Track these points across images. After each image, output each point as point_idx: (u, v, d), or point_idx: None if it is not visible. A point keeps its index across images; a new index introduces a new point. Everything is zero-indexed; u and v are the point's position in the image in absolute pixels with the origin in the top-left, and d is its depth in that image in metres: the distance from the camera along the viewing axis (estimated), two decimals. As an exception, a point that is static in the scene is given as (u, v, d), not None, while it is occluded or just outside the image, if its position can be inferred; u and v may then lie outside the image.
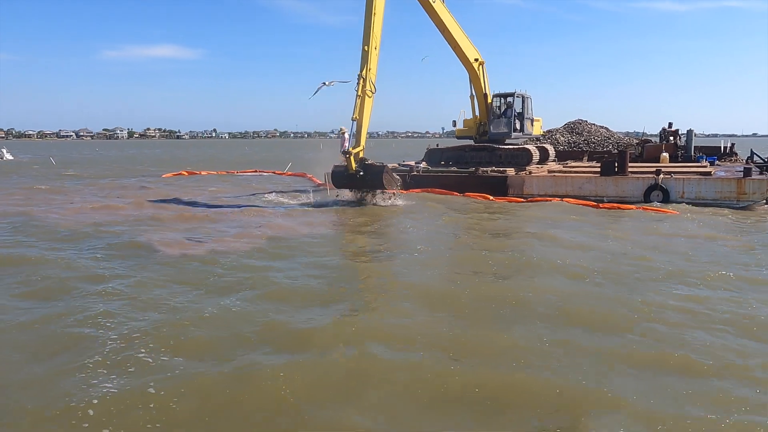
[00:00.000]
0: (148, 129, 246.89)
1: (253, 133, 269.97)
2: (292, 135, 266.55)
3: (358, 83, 17.04)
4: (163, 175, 29.82)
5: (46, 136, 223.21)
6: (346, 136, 24.09)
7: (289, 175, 30.87)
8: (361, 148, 17.26)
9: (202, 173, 31.55)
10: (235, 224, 13.67)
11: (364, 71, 16.99)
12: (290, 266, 9.27)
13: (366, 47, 17.11)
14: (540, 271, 8.90)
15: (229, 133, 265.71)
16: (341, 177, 18.00)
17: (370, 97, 17.22)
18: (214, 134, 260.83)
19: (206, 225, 13.57)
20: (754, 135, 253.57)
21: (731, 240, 11.76)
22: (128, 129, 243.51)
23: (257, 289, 7.86)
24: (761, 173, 18.43)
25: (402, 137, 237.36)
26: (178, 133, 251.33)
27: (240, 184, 25.11)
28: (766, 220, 14.87)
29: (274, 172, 32.42)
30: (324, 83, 20.08)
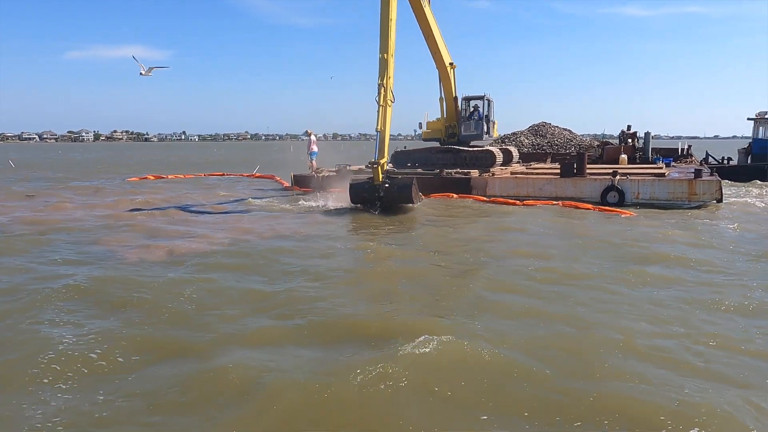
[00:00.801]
0: (115, 131, 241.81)
1: (224, 135, 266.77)
2: (263, 137, 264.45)
3: (378, 93, 16.43)
4: (128, 179, 29.42)
5: (7, 139, 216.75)
6: (313, 138, 24.38)
7: (258, 177, 30.86)
8: (386, 159, 16.70)
9: (169, 177, 31.25)
10: (196, 227, 13.70)
11: (384, 80, 16.46)
12: (244, 269, 9.40)
13: (384, 55, 16.59)
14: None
15: (199, 136, 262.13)
16: (362, 191, 16.88)
17: (390, 106, 16.70)
18: (183, 137, 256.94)
19: (166, 228, 13.54)
20: (716, 137, 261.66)
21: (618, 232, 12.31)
22: (94, 131, 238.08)
23: (206, 293, 7.99)
24: (711, 174, 19.23)
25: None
26: (146, 136, 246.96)
27: (206, 187, 24.98)
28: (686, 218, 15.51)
29: (242, 175, 32.35)
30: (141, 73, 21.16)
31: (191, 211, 16.61)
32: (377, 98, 16.48)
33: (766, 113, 26.66)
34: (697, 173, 18.27)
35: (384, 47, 16.72)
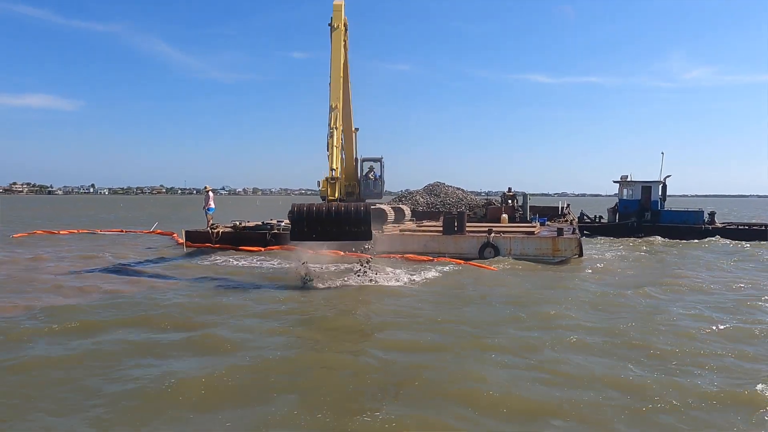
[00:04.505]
0: (15, 183, 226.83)
1: (137, 188, 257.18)
2: (179, 191, 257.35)
3: (332, 136, 17.21)
4: (14, 236, 28.08)
5: None
6: (211, 194, 24.73)
7: (157, 233, 30.40)
8: (340, 181, 16.67)
9: (61, 233, 30.10)
10: (65, 284, 13.68)
11: (337, 123, 17.45)
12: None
13: (336, 103, 17.80)
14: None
15: (110, 189, 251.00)
16: (304, 222, 14.08)
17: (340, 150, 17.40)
18: (92, 189, 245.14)
19: (35, 286, 13.42)
20: (616, 194, 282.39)
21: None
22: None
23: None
24: (573, 232, 21.39)
25: (295, 194, 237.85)
26: (50, 188, 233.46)
27: (98, 244, 24.40)
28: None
29: (142, 231, 31.73)
30: None
31: (62, 270, 16.39)
32: (330, 140, 17.16)
33: (627, 177, 30.06)
34: (560, 231, 20.28)
35: (335, 96, 17.98)
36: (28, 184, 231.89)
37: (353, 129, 25.12)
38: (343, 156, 25.99)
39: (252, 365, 7.58)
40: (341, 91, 18.52)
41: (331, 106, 17.95)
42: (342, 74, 18.89)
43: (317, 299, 12.50)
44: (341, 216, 14.16)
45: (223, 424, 5.82)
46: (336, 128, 17.62)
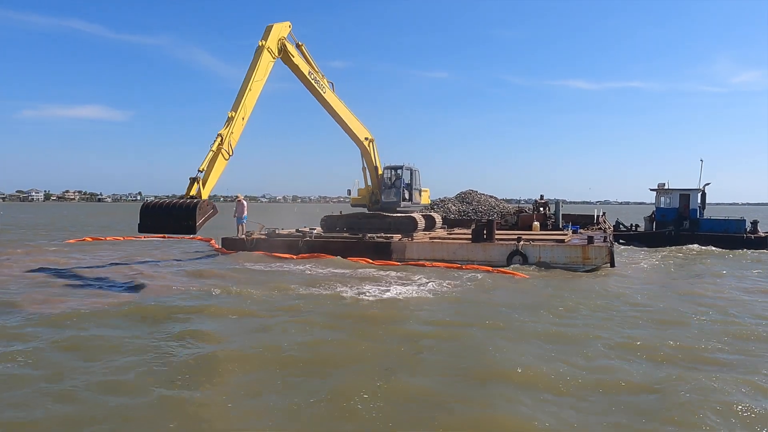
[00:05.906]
0: (67, 191, 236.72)
1: (180, 196, 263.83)
2: (221, 199, 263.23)
3: (215, 140, 17.81)
4: (67, 241, 29.67)
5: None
6: (244, 203, 25.59)
7: (198, 239, 31.47)
8: (204, 194, 17.06)
9: (108, 239, 31.56)
10: (104, 286, 14.59)
11: (225, 131, 17.98)
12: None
13: (233, 113, 18.48)
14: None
15: (155, 196, 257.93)
16: (148, 216, 16.02)
17: (225, 159, 17.97)
18: (139, 197, 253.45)
19: (79, 288, 14.37)
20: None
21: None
22: (45, 191, 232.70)
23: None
24: (604, 241, 21.19)
25: (333, 202, 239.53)
26: (99, 196, 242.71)
27: (140, 249, 25.56)
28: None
29: (183, 237, 32.87)
30: None
31: (105, 271, 17.38)
32: (211, 144, 17.72)
33: (665, 185, 29.48)
34: (590, 240, 20.14)
35: (235, 106, 18.68)
36: (79, 191, 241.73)
37: (363, 138, 25.10)
38: (365, 165, 26.49)
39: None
40: (243, 105, 18.88)
41: (228, 116, 18.54)
42: (249, 89, 18.89)
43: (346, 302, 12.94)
44: (173, 210, 15.71)
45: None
46: (221, 135, 18.00)
